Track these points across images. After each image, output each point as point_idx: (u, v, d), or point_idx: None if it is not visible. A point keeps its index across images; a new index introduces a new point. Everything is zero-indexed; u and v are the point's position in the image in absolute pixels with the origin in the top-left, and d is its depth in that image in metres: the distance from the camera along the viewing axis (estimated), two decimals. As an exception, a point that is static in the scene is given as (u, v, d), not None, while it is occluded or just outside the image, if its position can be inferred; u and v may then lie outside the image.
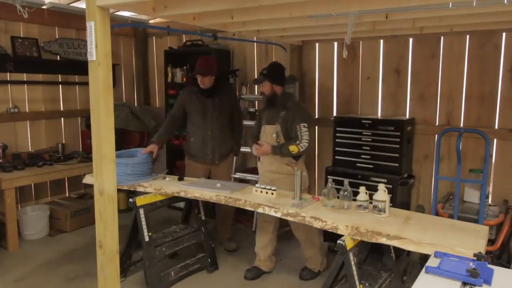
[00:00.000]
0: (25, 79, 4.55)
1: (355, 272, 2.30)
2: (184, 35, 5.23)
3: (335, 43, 4.32)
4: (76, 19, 4.77)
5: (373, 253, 2.89)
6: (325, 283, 2.41)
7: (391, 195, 2.86)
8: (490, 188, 3.62)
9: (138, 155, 3.48)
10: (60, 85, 4.92)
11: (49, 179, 4.47)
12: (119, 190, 2.70)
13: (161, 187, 3.23)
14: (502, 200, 3.52)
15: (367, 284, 2.61)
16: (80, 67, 4.74)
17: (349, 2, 2.36)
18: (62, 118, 4.97)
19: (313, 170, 4.58)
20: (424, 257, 2.82)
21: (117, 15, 4.89)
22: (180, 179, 3.40)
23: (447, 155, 3.80)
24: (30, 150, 4.61)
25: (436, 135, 3.74)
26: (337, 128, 3.92)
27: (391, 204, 2.63)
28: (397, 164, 3.63)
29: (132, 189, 3.35)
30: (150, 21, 5.32)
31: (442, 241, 2.14)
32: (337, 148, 3.93)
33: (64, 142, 4.85)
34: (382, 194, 2.55)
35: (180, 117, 3.85)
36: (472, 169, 3.49)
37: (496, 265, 2.01)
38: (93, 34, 2.33)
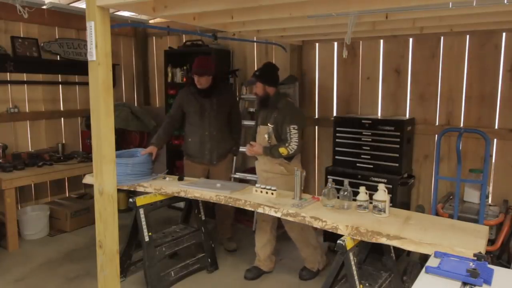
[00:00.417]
0: (25, 79, 4.55)
1: (355, 272, 2.30)
2: (184, 35, 5.23)
3: (335, 43, 4.32)
4: (76, 19, 4.77)
5: (373, 253, 2.89)
6: (325, 283, 2.41)
7: (391, 195, 2.86)
8: (490, 188, 3.62)
9: (138, 155, 3.49)
10: (60, 85, 4.92)
11: (49, 179, 4.47)
12: (119, 190, 2.70)
13: (161, 187, 3.23)
14: (502, 200, 3.52)
15: (367, 284, 2.61)
16: (80, 67, 4.74)
17: (349, 2, 2.36)
18: (62, 118, 4.97)
19: (313, 170, 4.58)
20: (424, 257, 2.82)
21: (117, 15, 4.89)
22: (180, 179, 3.40)
23: (447, 155, 3.80)
24: (30, 150, 4.61)
25: (436, 135, 3.74)
26: (337, 128, 3.93)
27: (391, 204, 2.63)
28: (397, 164, 3.63)
29: (132, 189, 3.35)
30: (150, 21, 5.32)
31: (442, 241, 2.14)
32: (337, 148, 3.93)
33: (64, 142, 4.85)
34: (382, 194, 2.55)
35: (179, 117, 3.85)
36: (472, 169, 3.49)
37: (496, 265, 2.01)
38: (93, 34, 2.33)
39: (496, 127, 3.61)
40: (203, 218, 3.55)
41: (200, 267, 3.51)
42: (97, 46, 2.33)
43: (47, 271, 3.57)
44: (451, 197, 3.62)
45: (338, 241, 2.30)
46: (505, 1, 2.22)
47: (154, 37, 5.71)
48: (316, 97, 4.53)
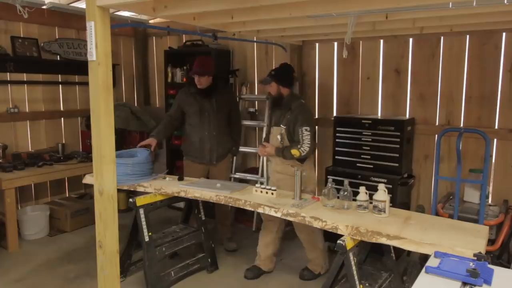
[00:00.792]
0: (25, 79, 4.55)
1: (355, 272, 2.30)
2: (184, 35, 5.23)
3: (335, 43, 4.32)
4: (76, 19, 4.76)
5: (373, 253, 2.89)
6: (325, 283, 2.42)
7: (391, 195, 2.86)
8: (490, 188, 3.61)
9: (138, 155, 3.48)
10: (60, 85, 4.92)
11: (49, 179, 4.47)
12: (119, 190, 2.69)
13: (161, 187, 3.22)
14: (502, 200, 3.52)
15: (367, 284, 2.61)
16: (80, 67, 4.75)
17: (349, 2, 2.36)
18: (62, 118, 4.97)
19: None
20: (424, 257, 2.82)
21: (117, 15, 4.89)
22: (180, 179, 3.40)
23: (447, 155, 3.79)
24: (30, 150, 4.61)
25: (436, 135, 3.74)
26: (337, 128, 3.93)
27: (391, 204, 2.63)
28: (397, 164, 3.63)
29: (132, 189, 3.35)
30: (150, 21, 5.32)
31: (442, 241, 2.14)
32: (337, 148, 3.93)
33: (64, 142, 4.84)
34: (382, 194, 2.55)
35: (178, 117, 3.84)
36: (472, 169, 3.49)
37: (496, 265, 2.01)
38: (93, 34, 2.32)
39: (496, 127, 3.61)
40: (203, 218, 3.55)
41: (200, 267, 3.51)
42: (97, 46, 2.32)
43: (47, 271, 3.57)
44: (451, 197, 3.61)
45: (338, 241, 2.30)
46: (505, 1, 2.22)
47: (154, 37, 5.71)
48: (316, 97, 4.53)
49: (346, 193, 2.70)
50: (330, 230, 2.49)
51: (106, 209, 2.49)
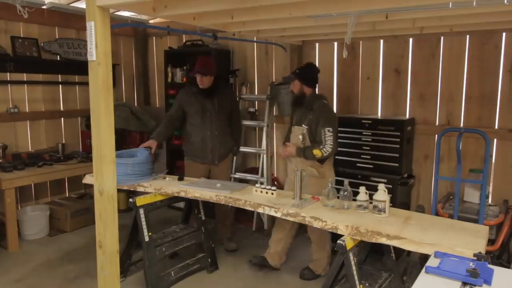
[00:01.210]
0: (25, 79, 4.55)
1: (355, 272, 2.30)
2: (184, 35, 5.23)
3: (335, 43, 4.32)
4: (76, 19, 4.76)
5: (373, 253, 2.89)
6: (325, 283, 2.42)
7: (391, 195, 2.86)
8: (490, 188, 3.62)
9: (138, 155, 3.48)
10: (60, 85, 4.92)
11: (49, 179, 4.47)
12: (119, 190, 2.70)
13: (161, 187, 3.22)
14: (502, 200, 3.52)
15: (367, 284, 2.61)
16: (80, 67, 4.75)
17: (349, 2, 2.36)
18: (62, 118, 4.97)
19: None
20: (424, 257, 2.82)
21: (117, 15, 4.89)
22: (180, 179, 3.40)
23: (447, 155, 3.80)
24: (30, 150, 4.61)
25: (436, 135, 3.74)
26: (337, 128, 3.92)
27: (391, 204, 2.63)
28: (397, 164, 3.63)
29: (132, 189, 3.35)
30: (150, 21, 5.32)
31: (442, 241, 2.14)
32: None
33: (64, 142, 4.84)
34: (382, 194, 2.55)
35: (179, 117, 3.83)
36: (472, 169, 3.49)
37: (496, 265, 2.01)
38: (93, 34, 2.33)
39: (496, 127, 3.61)
40: (203, 218, 3.55)
41: (200, 267, 3.51)
42: (97, 46, 2.33)
43: (47, 271, 3.57)
44: (451, 197, 3.61)
45: (338, 241, 2.30)
46: (505, 1, 2.22)
47: (154, 37, 5.71)
48: (316, 97, 4.52)
49: (346, 193, 2.70)
50: (330, 230, 2.49)
51: (106, 209, 2.49)
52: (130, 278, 3.40)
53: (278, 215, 2.70)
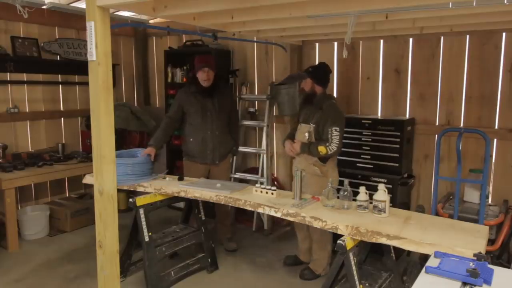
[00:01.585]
0: (25, 79, 4.55)
1: (355, 272, 2.30)
2: (184, 35, 5.23)
3: (335, 43, 4.32)
4: (76, 19, 4.76)
5: (373, 253, 2.89)
6: (325, 283, 2.42)
7: (391, 195, 2.86)
8: (490, 188, 3.62)
9: (138, 155, 3.49)
10: (60, 85, 4.92)
11: (49, 179, 4.47)
12: (119, 190, 2.69)
13: (161, 187, 3.22)
14: (502, 200, 3.52)
15: (367, 284, 2.61)
16: (80, 67, 4.74)
17: (349, 2, 2.36)
18: (62, 118, 4.97)
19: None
20: (424, 257, 2.82)
21: (117, 15, 4.89)
22: (180, 179, 3.40)
23: (447, 155, 3.80)
24: (30, 150, 4.61)
25: (436, 135, 3.74)
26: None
27: (391, 204, 2.63)
28: (397, 164, 3.63)
29: (132, 189, 3.35)
30: (150, 21, 5.32)
31: (442, 241, 2.14)
32: (337, 148, 3.93)
33: (64, 142, 4.84)
34: (382, 194, 2.55)
35: (178, 118, 3.80)
36: (472, 169, 3.49)
37: (496, 265, 2.01)
38: (93, 34, 2.33)
39: (496, 127, 3.61)
40: (203, 218, 3.55)
41: (200, 267, 3.51)
42: (97, 46, 2.33)
43: (47, 271, 3.57)
44: (451, 197, 3.62)
45: (338, 241, 2.30)
46: (505, 1, 2.22)
47: (154, 37, 5.71)
48: (316, 97, 4.53)
49: (346, 193, 2.70)
50: (330, 230, 2.49)
51: (106, 209, 2.49)
52: (130, 278, 3.40)
53: (278, 215, 2.70)
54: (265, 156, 4.43)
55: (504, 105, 3.55)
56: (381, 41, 4.07)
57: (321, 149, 3.18)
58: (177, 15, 2.71)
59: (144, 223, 3.09)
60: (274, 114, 4.57)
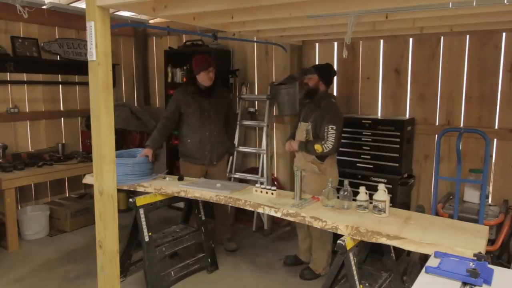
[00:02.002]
0: (25, 79, 4.55)
1: (355, 272, 2.30)
2: (184, 35, 5.23)
3: (335, 43, 4.32)
4: (76, 19, 4.76)
5: (373, 253, 2.89)
6: (325, 283, 2.42)
7: (391, 195, 2.86)
8: (490, 188, 3.61)
9: (138, 155, 3.49)
10: (60, 85, 4.92)
11: (49, 179, 4.47)
12: (119, 190, 2.70)
13: (161, 187, 3.23)
14: (502, 200, 3.52)
15: (367, 284, 2.61)
16: (80, 67, 4.75)
17: (349, 2, 2.36)
18: (62, 118, 4.97)
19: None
20: (424, 257, 2.82)
21: (117, 15, 4.89)
22: (180, 179, 3.40)
23: (447, 155, 3.79)
24: (30, 150, 4.61)
25: (436, 135, 3.74)
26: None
27: (391, 204, 2.63)
28: (397, 164, 3.63)
29: (132, 189, 3.35)
30: (150, 21, 5.32)
31: (442, 241, 2.14)
32: (337, 148, 3.93)
33: (64, 142, 4.85)
34: (382, 194, 2.55)
35: (176, 118, 3.78)
36: (472, 169, 3.48)
37: (496, 265, 2.01)
38: (93, 34, 2.32)
39: (496, 127, 3.61)
40: (203, 218, 3.55)
41: (200, 267, 3.51)
42: (97, 46, 2.32)
43: (47, 271, 3.57)
44: (451, 197, 3.61)
45: (338, 241, 2.30)
46: (505, 1, 2.22)
47: (154, 37, 5.71)
48: (316, 97, 4.52)
49: (346, 193, 2.70)
50: (330, 230, 2.49)
51: (106, 209, 2.49)
52: (130, 278, 3.40)
53: (278, 215, 2.70)
54: (265, 156, 4.44)
55: (504, 105, 3.55)
56: (381, 41, 4.07)
57: (317, 147, 3.19)
58: (177, 15, 2.71)
59: (144, 223, 3.09)
60: (274, 114, 4.57)
